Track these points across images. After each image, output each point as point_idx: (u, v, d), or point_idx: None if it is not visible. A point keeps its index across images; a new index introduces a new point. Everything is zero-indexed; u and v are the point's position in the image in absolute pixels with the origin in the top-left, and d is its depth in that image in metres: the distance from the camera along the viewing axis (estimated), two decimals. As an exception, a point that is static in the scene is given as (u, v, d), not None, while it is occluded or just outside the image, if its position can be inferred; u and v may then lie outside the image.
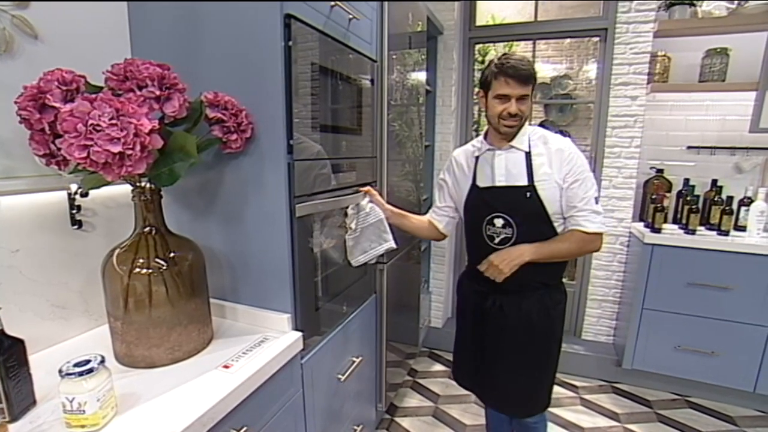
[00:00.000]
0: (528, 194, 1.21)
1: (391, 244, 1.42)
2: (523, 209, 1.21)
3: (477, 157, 1.32)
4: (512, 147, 1.24)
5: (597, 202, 1.22)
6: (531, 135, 1.25)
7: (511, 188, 1.23)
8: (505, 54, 1.19)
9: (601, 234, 1.23)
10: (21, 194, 0.92)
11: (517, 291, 1.28)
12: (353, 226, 1.35)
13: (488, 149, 1.29)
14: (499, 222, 1.24)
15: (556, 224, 1.24)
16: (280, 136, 1.02)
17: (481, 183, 1.30)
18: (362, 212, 1.36)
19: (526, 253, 1.19)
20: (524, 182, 1.22)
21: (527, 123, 1.25)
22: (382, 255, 1.46)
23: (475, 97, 2.79)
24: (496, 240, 1.26)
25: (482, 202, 1.28)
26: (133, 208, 0.94)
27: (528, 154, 1.23)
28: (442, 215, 1.47)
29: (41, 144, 0.80)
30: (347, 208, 1.36)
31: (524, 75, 1.14)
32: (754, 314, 1.97)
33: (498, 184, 1.26)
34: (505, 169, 1.25)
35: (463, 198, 1.35)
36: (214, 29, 1.05)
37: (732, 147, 2.28)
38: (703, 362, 2.09)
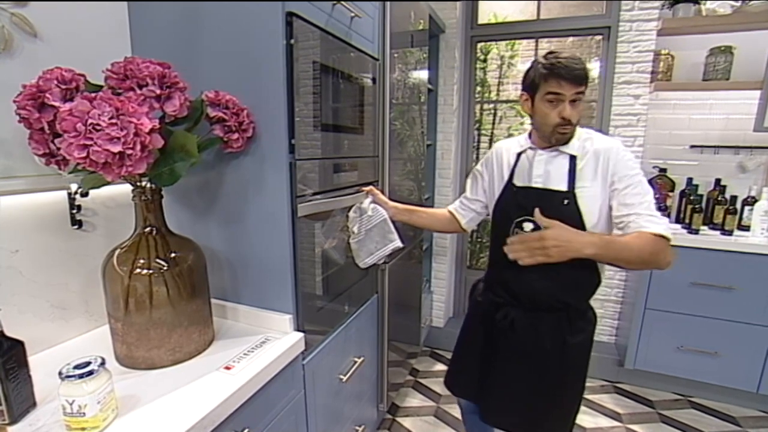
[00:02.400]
0: (566, 201, 1.08)
1: (398, 243, 1.37)
2: (557, 217, 1.01)
3: (519, 154, 1.22)
4: (559, 150, 1.13)
5: (659, 209, 1.07)
6: (580, 138, 1.13)
7: (547, 191, 1.12)
8: (552, 52, 1.06)
9: (669, 241, 1.02)
10: (20, 194, 0.91)
11: (532, 309, 1.15)
12: (356, 229, 1.34)
13: (530, 147, 1.19)
14: (528, 226, 1.12)
15: None
16: (281, 136, 1.01)
17: (518, 182, 1.19)
18: (365, 215, 1.34)
19: (588, 245, 0.96)
20: (564, 187, 1.10)
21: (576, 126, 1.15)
22: (389, 253, 1.42)
23: (477, 95, 2.78)
24: None
25: (514, 202, 1.17)
26: (134, 208, 0.93)
27: (573, 158, 1.11)
28: (469, 209, 1.37)
29: (40, 143, 0.79)
30: (349, 211, 1.34)
31: (578, 75, 1.02)
32: (758, 314, 1.96)
33: (534, 185, 1.14)
34: (544, 170, 1.13)
35: (495, 195, 1.25)
36: (215, 27, 1.04)
37: (736, 146, 2.26)
38: (706, 362, 2.08)
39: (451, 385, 1.42)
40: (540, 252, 0.95)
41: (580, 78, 1.03)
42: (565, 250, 0.95)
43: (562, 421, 1.22)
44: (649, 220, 1.01)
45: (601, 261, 1.04)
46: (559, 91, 1.04)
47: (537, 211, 1.00)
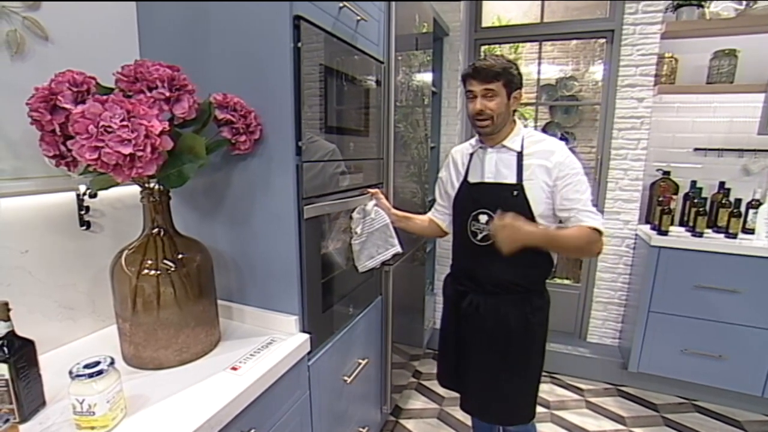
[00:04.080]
0: (515, 193, 1.20)
1: (398, 248, 1.42)
2: (508, 208, 1.16)
3: (471, 154, 1.33)
4: (504, 146, 1.25)
5: (594, 206, 1.20)
6: (525, 136, 1.25)
7: (498, 185, 1.24)
8: (478, 58, 1.24)
9: (602, 234, 1.18)
10: (30, 195, 0.93)
11: (495, 293, 1.26)
12: (359, 231, 1.35)
13: (481, 147, 1.30)
14: (483, 218, 1.24)
15: (541, 225, 1.21)
16: (288, 138, 1.02)
17: (472, 179, 1.31)
18: (368, 217, 1.36)
19: (533, 236, 1.12)
20: (513, 180, 1.22)
21: (519, 124, 1.27)
22: (389, 259, 1.45)
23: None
24: (479, 236, 1.25)
25: (470, 197, 1.29)
26: (142, 209, 0.94)
27: (520, 154, 1.23)
28: (444, 213, 1.47)
29: (51, 145, 0.80)
30: (353, 212, 1.35)
31: (484, 72, 1.16)
32: (763, 318, 1.95)
33: (487, 180, 1.26)
34: (495, 167, 1.25)
35: (453, 193, 1.36)
36: (223, 30, 1.05)
37: (740, 149, 2.26)
38: (710, 366, 2.07)
39: (439, 377, 1.51)
40: (506, 240, 1.10)
41: (487, 75, 1.16)
42: (514, 242, 1.10)
43: (529, 401, 1.34)
44: (587, 216, 1.17)
45: (545, 248, 1.20)
46: (471, 89, 1.20)
47: (498, 211, 1.15)
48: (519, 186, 1.20)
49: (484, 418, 1.40)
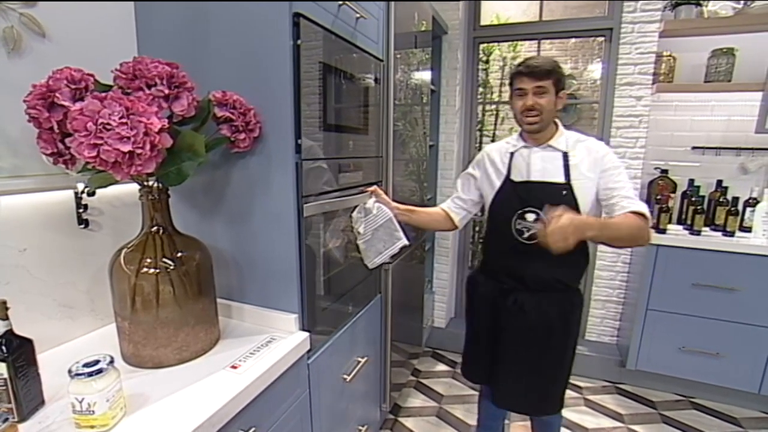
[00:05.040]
0: (564, 192, 1.23)
1: (404, 240, 1.41)
2: (556, 206, 1.13)
3: (512, 153, 1.34)
4: (549, 146, 1.28)
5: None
6: (568, 137, 1.29)
7: (547, 184, 1.25)
8: (527, 58, 1.26)
9: (648, 220, 1.17)
10: (28, 193, 0.92)
11: (537, 290, 1.29)
12: (361, 230, 1.34)
13: (524, 146, 1.32)
14: (530, 216, 1.25)
15: None
16: (288, 136, 1.02)
17: (516, 177, 1.31)
18: (370, 215, 1.35)
19: (590, 225, 1.08)
20: (561, 179, 1.24)
21: (560, 125, 1.31)
22: (397, 252, 1.43)
23: (479, 96, 2.79)
24: (525, 234, 1.26)
25: (515, 196, 1.29)
26: (141, 207, 0.94)
27: (565, 154, 1.26)
28: (462, 208, 1.49)
29: (49, 143, 0.80)
30: (353, 211, 1.35)
31: (536, 70, 1.20)
32: (760, 315, 1.97)
33: (533, 179, 1.27)
34: (541, 166, 1.27)
35: (492, 192, 1.36)
36: (222, 27, 1.04)
37: (737, 147, 2.27)
38: (708, 363, 2.08)
39: (467, 373, 1.54)
40: (562, 237, 1.01)
41: (539, 72, 1.20)
42: (573, 233, 1.01)
43: (560, 392, 1.38)
44: (631, 202, 1.18)
45: (597, 241, 1.16)
46: (522, 86, 1.23)
47: (546, 206, 1.12)
48: (567, 185, 1.23)
49: (519, 409, 1.44)
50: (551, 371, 1.33)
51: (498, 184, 1.34)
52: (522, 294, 1.31)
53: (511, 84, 1.29)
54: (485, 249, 1.45)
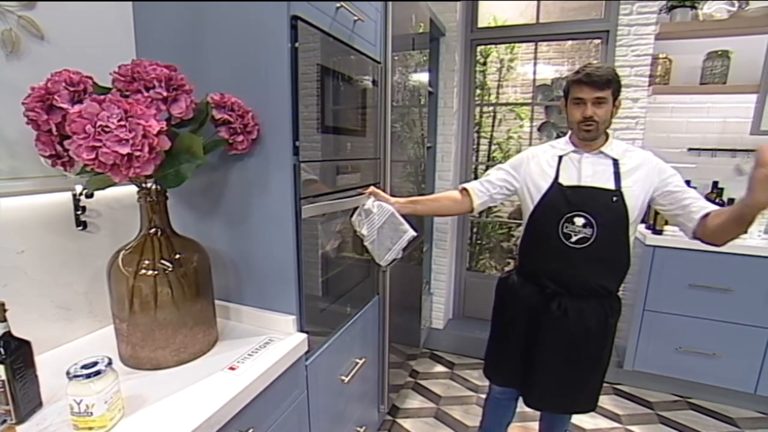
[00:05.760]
0: (614, 198, 1.23)
1: (411, 232, 1.40)
2: (607, 212, 1.23)
3: (560, 157, 1.33)
4: (602, 152, 1.29)
5: None
6: (618, 145, 1.30)
7: (597, 190, 1.25)
8: (586, 64, 1.25)
9: None
10: (26, 195, 0.92)
11: (580, 295, 1.30)
12: (365, 232, 1.35)
13: (573, 151, 1.32)
14: (579, 221, 1.25)
15: (629, 231, 1.26)
16: (286, 138, 1.02)
17: (565, 181, 1.30)
18: (371, 215, 1.35)
19: None
20: (612, 186, 1.24)
21: (612, 134, 1.32)
22: (406, 245, 1.43)
23: (477, 98, 2.80)
24: (573, 239, 1.26)
25: (563, 199, 1.28)
26: (139, 209, 0.94)
27: (616, 161, 1.27)
28: (486, 192, 1.43)
29: (47, 145, 0.80)
30: (352, 215, 1.35)
31: (598, 80, 1.18)
32: (755, 316, 1.98)
33: (584, 183, 1.27)
34: (592, 171, 1.28)
35: (538, 194, 1.33)
36: (220, 30, 1.04)
37: (733, 149, 2.29)
38: (705, 364, 2.09)
39: (493, 375, 1.55)
40: None
41: (600, 82, 1.19)
42: None
43: (597, 390, 1.42)
44: (705, 203, 1.21)
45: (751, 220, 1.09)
46: (580, 96, 1.22)
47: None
48: (618, 192, 1.23)
49: (556, 410, 1.48)
50: (590, 373, 1.35)
51: (545, 186, 1.32)
52: (565, 299, 1.30)
53: (567, 91, 1.27)
54: (524, 252, 1.42)
